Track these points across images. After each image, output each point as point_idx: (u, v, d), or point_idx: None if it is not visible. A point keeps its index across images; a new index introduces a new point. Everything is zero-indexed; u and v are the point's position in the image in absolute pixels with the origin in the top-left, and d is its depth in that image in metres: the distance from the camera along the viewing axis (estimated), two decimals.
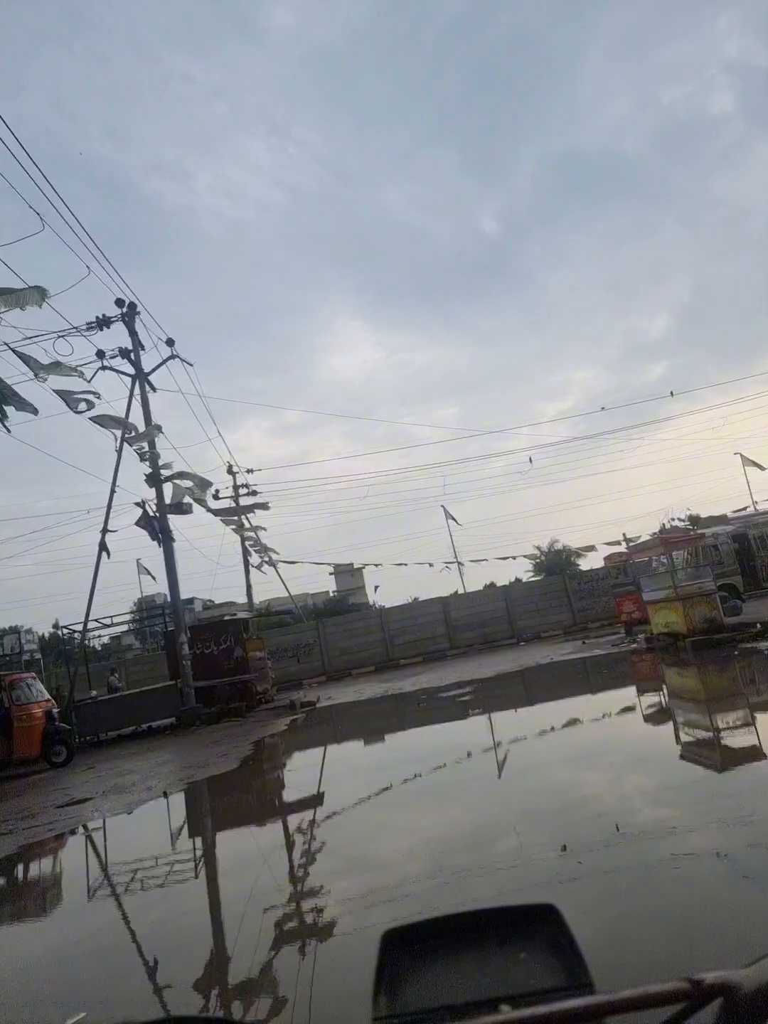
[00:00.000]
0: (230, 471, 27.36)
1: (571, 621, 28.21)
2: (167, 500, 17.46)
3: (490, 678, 15.82)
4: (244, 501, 28.29)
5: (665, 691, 11.40)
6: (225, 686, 16.71)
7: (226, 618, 18.54)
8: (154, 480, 17.37)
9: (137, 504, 17.39)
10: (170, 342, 18.56)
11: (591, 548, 29.36)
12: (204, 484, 18.10)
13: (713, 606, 14.30)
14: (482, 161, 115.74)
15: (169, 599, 32.92)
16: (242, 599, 38.19)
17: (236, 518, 26.00)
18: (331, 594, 60.55)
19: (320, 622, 28.36)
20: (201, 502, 18.52)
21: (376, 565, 29.82)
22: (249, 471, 28.19)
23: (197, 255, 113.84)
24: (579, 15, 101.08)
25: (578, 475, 76.03)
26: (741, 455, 31.54)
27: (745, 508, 28.90)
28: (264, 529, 27.71)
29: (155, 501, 17.35)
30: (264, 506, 28.00)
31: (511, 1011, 0.53)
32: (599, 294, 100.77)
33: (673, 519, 27.79)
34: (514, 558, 31.16)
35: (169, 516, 17.54)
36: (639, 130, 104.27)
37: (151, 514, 17.11)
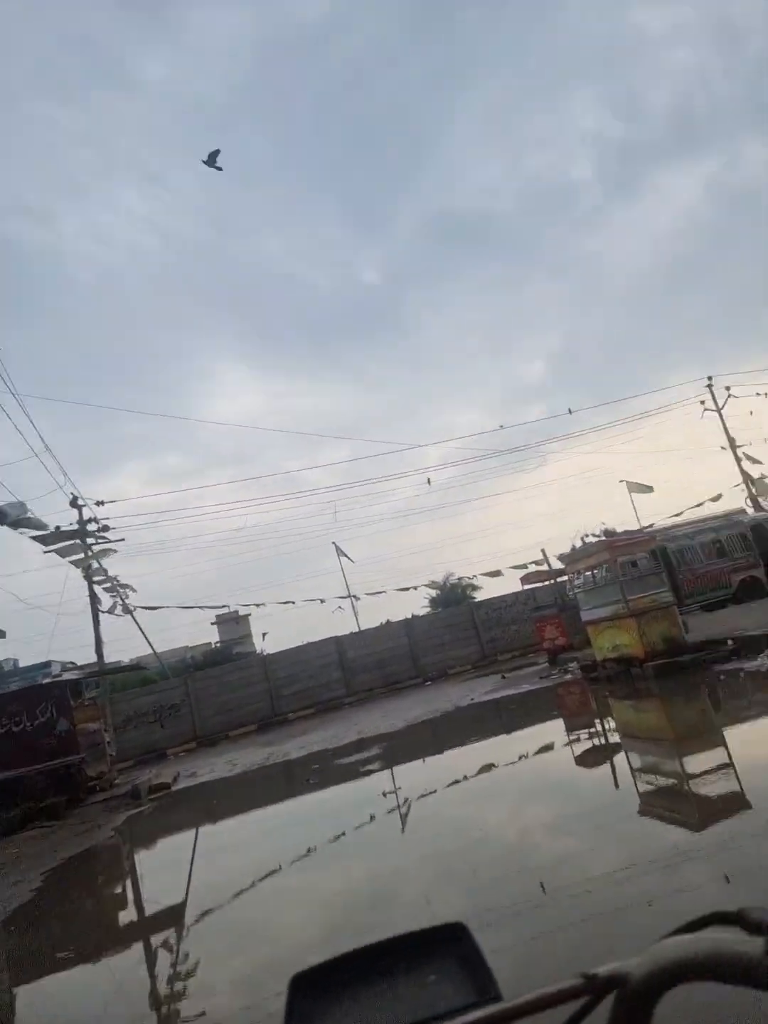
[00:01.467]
0: (74, 504, 22.13)
1: (479, 654, 24.71)
2: None
3: (400, 732, 11.78)
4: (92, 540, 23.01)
5: (660, 741, 7.81)
6: (38, 777, 11.62)
7: (45, 681, 13.40)
8: None
9: None
10: None
11: (497, 573, 26.16)
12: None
13: (673, 622, 11.07)
14: (362, 215, 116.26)
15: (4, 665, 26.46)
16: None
17: (80, 553, 20.77)
18: (214, 645, 54.62)
19: (188, 676, 23.22)
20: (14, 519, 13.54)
21: (258, 605, 25.18)
22: (99, 503, 23.00)
23: (65, 300, 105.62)
24: (451, 86, 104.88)
25: (467, 510, 74.45)
26: (627, 481, 30.31)
27: (650, 525, 26.84)
28: (109, 575, 22.51)
29: None
30: (111, 546, 22.89)
31: None
32: (477, 341, 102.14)
33: (586, 536, 25.25)
34: (415, 588, 27.09)
35: None
36: (508, 192, 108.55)
37: None
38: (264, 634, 34.35)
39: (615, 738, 8.34)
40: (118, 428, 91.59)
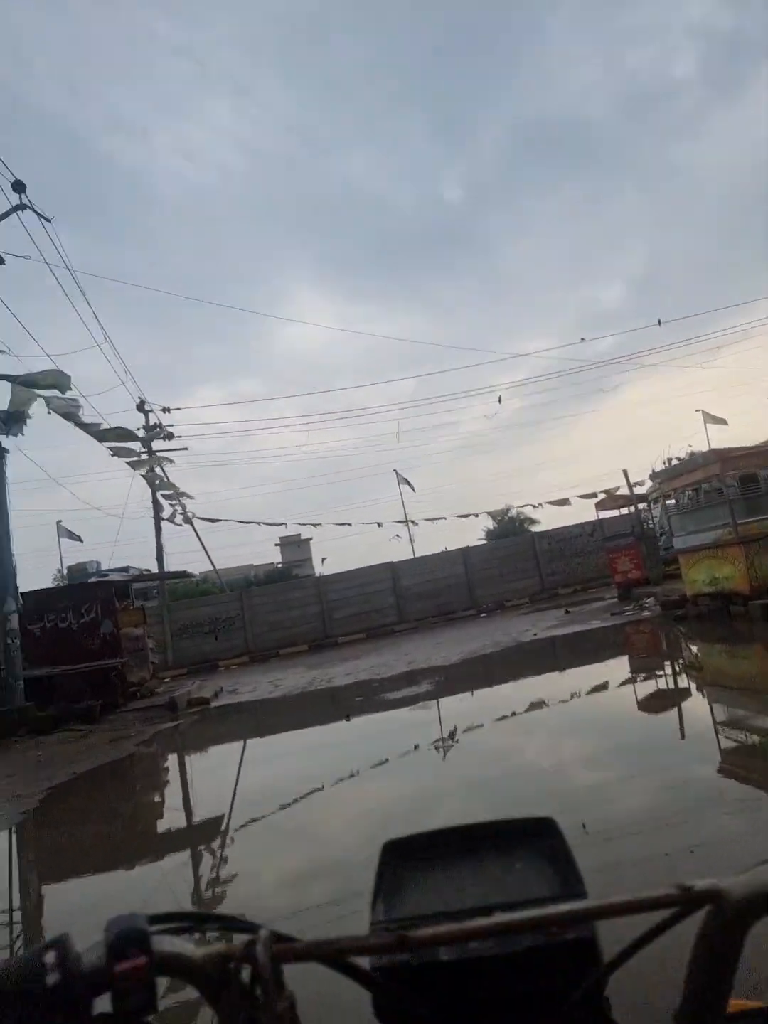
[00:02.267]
0: (141, 408, 21.35)
1: (539, 587, 23.31)
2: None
3: (456, 666, 10.60)
4: (158, 445, 22.35)
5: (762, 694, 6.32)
6: (75, 677, 11.06)
7: (93, 580, 12.76)
8: None
9: None
10: (19, 187, 12.47)
11: (564, 502, 24.35)
12: (60, 381, 12.09)
13: None
14: (448, 127, 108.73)
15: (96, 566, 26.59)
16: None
17: (144, 459, 20.09)
18: (277, 566, 54.92)
19: (244, 592, 22.72)
20: (69, 414, 12.62)
21: (315, 525, 24.26)
22: (165, 410, 22.19)
23: (154, 217, 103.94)
24: None
25: (534, 438, 71.12)
26: (704, 412, 27.80)
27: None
28: (172, 484, 21.81)
29: None
30: (174, 454, 22.15)
31: (503, 915, 0.51)
32: (557, 265, 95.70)
33: (671, 459, 22.84)
34: (475, 516, 25.52)
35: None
36: (602, 95, 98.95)
37: None
38: (324, 558, 33.59)
39: (700, 686, 6.92)
40: (193, 351, 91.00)
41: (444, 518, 25.02)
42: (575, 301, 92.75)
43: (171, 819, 5.73)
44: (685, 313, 59.30)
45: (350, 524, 23.95)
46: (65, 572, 29.77)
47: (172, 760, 8.38)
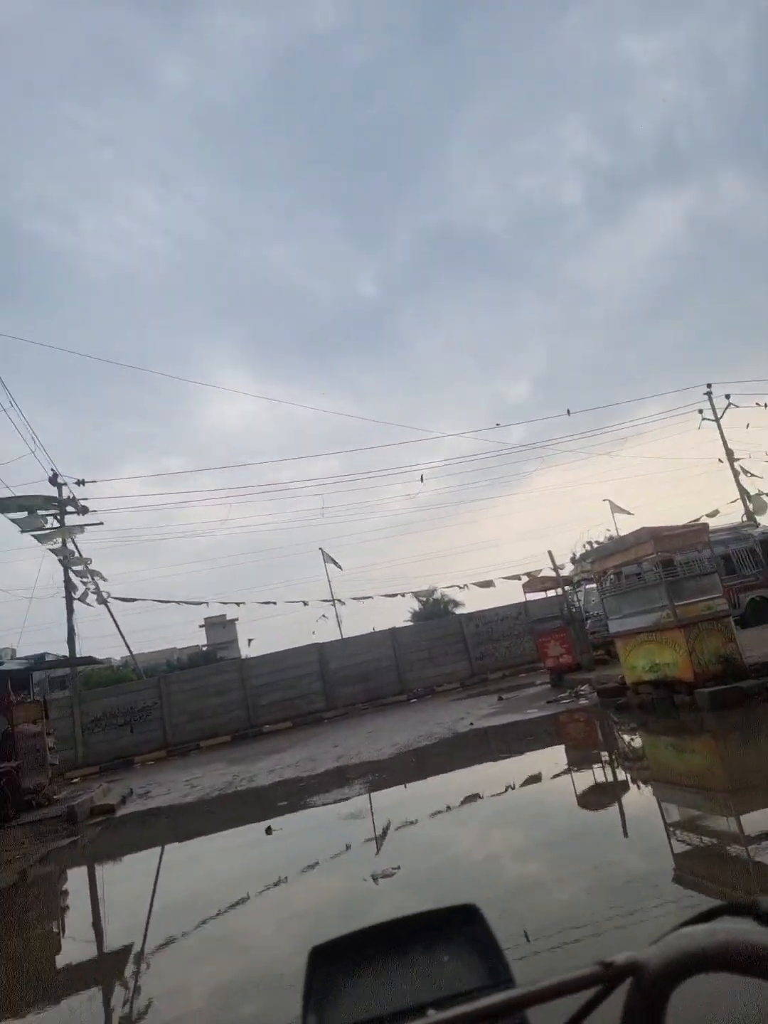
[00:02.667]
0: (54, 481, 20.14)
1: (469, 671, 22.83)
2: None
3: (390, 761, 9.87)
4: (72, 519, 21.06)
5: (719, 793, 5.97)
6: None
7: None
8: None
9: None
10: None
11: (488, 584, 24.32)
12: None
13: (730, 636, 9.15)
14: (362, 228, 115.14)
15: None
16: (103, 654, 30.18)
17: (54, 532, 18.82)
18: (202, 648, 52.38)
19: (161, 678, 21.16)
20: None
21: (238, 603, 23.15)
22: (80, 482, 21.03)
23: (80, 298, 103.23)
24: (449, 103, 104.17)
25: (453, 524, 72.42)
26: (611, 502, 29.25)
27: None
28: (85, 560, 20.48)
29: None
30: (86, 523, 20.94)
31: (435, 1014, 0.51)
32: (468, 359, 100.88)
33: (591, 543, 23.27)
34: (402, 595, 25.05)
35: None
36: (501, 212, 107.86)
37: None
38: (250, 640, 32.23)
39: (645, 780, 6.53)
40: (115, 427, 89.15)
41: (371, 597, 24.47)
42: (485, 394, 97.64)
43: (62, 961, 4.73)
44: (587, 407, 63.01)
45: (274, 602, 23.02)
46: None
47: (67, 886, 7.20)
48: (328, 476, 73.95)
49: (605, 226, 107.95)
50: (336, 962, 0.73)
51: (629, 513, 28.80)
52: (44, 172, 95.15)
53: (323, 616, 27.06)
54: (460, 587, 24.46)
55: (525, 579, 20.95)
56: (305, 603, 24.38)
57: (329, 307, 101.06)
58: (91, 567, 20.64)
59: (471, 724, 11.87)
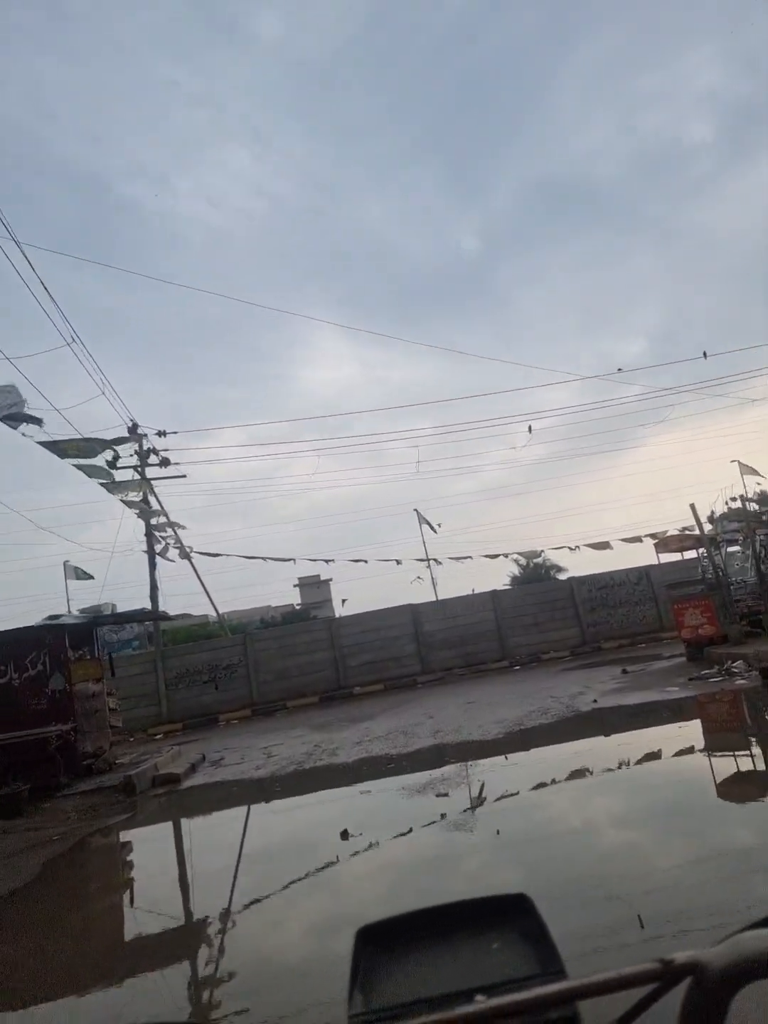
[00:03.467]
0: (132, 431, 19.26)
1: (580, 639, 20.43)
2: None
3: (499, 743, 7.94)
4: (154, 471, 20.23)
5: None
6: (9, 746, 8.55)
7: (40, 624, 10.24)
8: None
9: None
10: None
11: (604, 545, 21.65)
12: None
13: None
14: (463, 179, 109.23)
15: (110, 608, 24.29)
16: (178, 608, 29.98)
17: (135, 483, 17.94)
18: (296, 607, 52.33)
19: (247, 635, 20.10)
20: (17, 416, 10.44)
21: (327, 561, 21.75)
22: (161, 434, 20.08)
23: (176, 261, 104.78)
24: (563, 39, 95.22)
25: (560, 484, 68.44)
26: (739, 462, 25.53)
27: None
28: (166, 513, 19.56)
29: None
30: (168, 477, 19.99)
31: (485, 1000, 0.50)
32: (575, 317, 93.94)
33: (736, 499, 19.90)
34: (506, 556, 22.74)
35: None
36: (615, 156, 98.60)
37: None
38: (343, 600, 31.10)
39: None
40: (215, 393, 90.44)
41: (471, 557, 22.34)
42: (595, 352, 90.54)
43: None
44: (707, 369, 56.64)
45: (365, 561, 21.41)
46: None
47: (85, 891, 5.74)
48: (424, 430, 71.25)
49: (735, 166, 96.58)
50: (383, 943, 0.72)
51: (759, 475, 25.25)
52: (139, 135, 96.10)
53: (418, 577, 25.36)
54: (571, 548, 21.85)
55: (653, 540, 18.19)
56: (398, 562, 22.70)
57: (427, 265, 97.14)
58: (173, 520, 19.73)
59: (594, 701, 9.68)
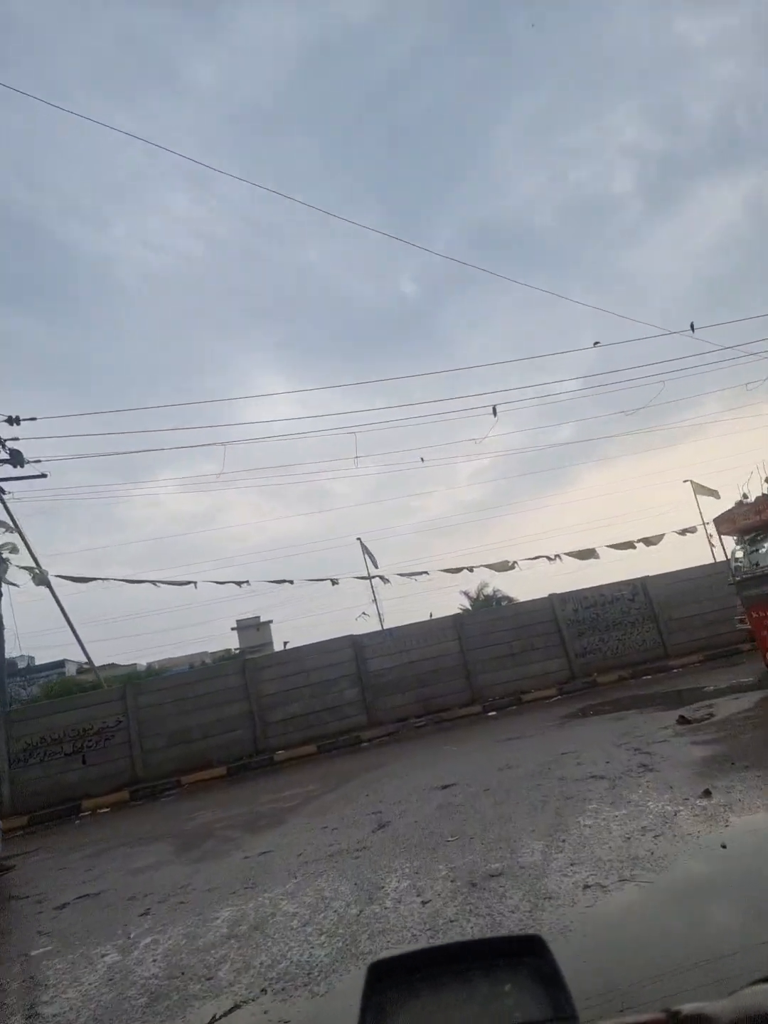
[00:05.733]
0: None
1: (567, 673, 15.81)
2: None
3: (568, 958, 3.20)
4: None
5: None
6: None
7: None
8: None
9: None
10: None
11: (590, 553, 17.34)
12: None
13: None
14: (402, 226, 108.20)
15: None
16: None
17: None
18: (233, 652, 46.46)
19: (128, 688, 14.54)
20: None
21: (239, 583, 16.51)
22: (12, 420, 14.70)
23: (114, 304, 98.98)
24: (495, 94, 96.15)
25: (506, 515, 65.08)
26: (693, 482, 23.13)
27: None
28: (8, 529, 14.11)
29: None
30: (36, 476, 14.57)
31: None
32: (511, 357, 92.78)
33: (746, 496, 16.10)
34: (470, 570, 18.01)
35: None
36: (547, 204, 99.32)
37: None
38: (285, 643, 25.72)
39: None
40: (156, 437, 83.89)
41: (427, 573, 17.58)
42: (532, 392, 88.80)
43: None
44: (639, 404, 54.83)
45: (291, 581, 16.38)
46: None
47: None
48: (365, 483, 66.89)
49: (658, 215, 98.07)
50: (395, 979, 0.70)
51: (715, 494, 22.12)
52: (74, 177, 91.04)
53: (364, 613, 20.82)
54: (550, 558, 17.39)
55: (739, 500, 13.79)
56: (334, 582, 17.67)
57: (369, 307, 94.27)
58: (23, 534, 14.25)
59: (706, 798, 4.94)
